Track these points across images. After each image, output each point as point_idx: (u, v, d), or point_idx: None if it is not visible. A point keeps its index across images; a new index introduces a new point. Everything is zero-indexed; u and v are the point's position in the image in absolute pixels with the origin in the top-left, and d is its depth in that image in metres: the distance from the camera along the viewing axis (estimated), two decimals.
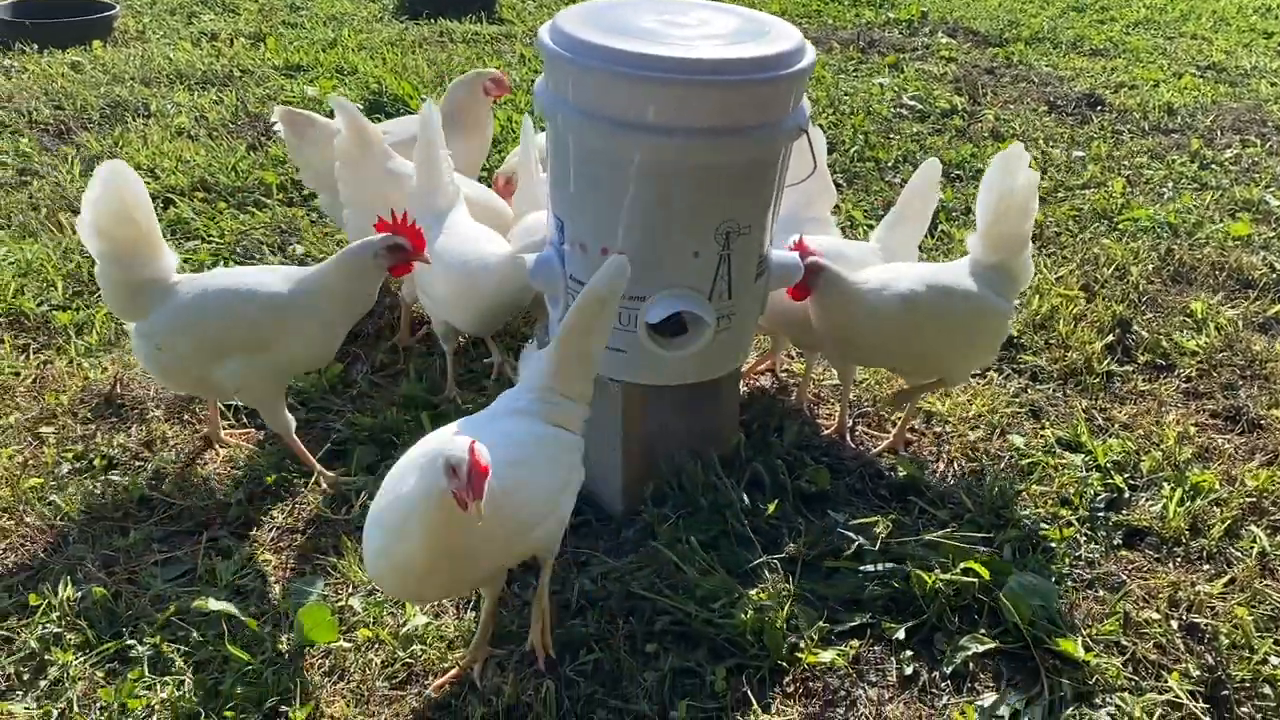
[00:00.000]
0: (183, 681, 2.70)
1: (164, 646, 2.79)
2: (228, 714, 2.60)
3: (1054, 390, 4.16)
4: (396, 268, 3.28)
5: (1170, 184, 6.18)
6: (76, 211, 5.12)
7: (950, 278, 3.47)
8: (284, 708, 2.64)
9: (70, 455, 3.54)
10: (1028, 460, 3.68)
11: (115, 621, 2.90)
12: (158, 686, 2.69)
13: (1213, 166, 6.48)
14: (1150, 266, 5.08)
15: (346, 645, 2.83)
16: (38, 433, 3.64)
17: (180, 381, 3.41)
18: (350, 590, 3.03)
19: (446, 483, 2.13)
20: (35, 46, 7.65)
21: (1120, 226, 5.56)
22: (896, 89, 7.62)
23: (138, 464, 3.55)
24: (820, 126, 5.99)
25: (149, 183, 5.37)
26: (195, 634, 2.83)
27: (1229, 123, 7.24)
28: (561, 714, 2.66)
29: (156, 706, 2.64)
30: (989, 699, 2.78)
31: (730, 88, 2.75)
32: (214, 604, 2.83)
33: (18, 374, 3.93)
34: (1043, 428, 3.91)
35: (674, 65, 2.68)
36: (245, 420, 3.80)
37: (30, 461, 3.50)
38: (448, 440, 2.25)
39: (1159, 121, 7.25)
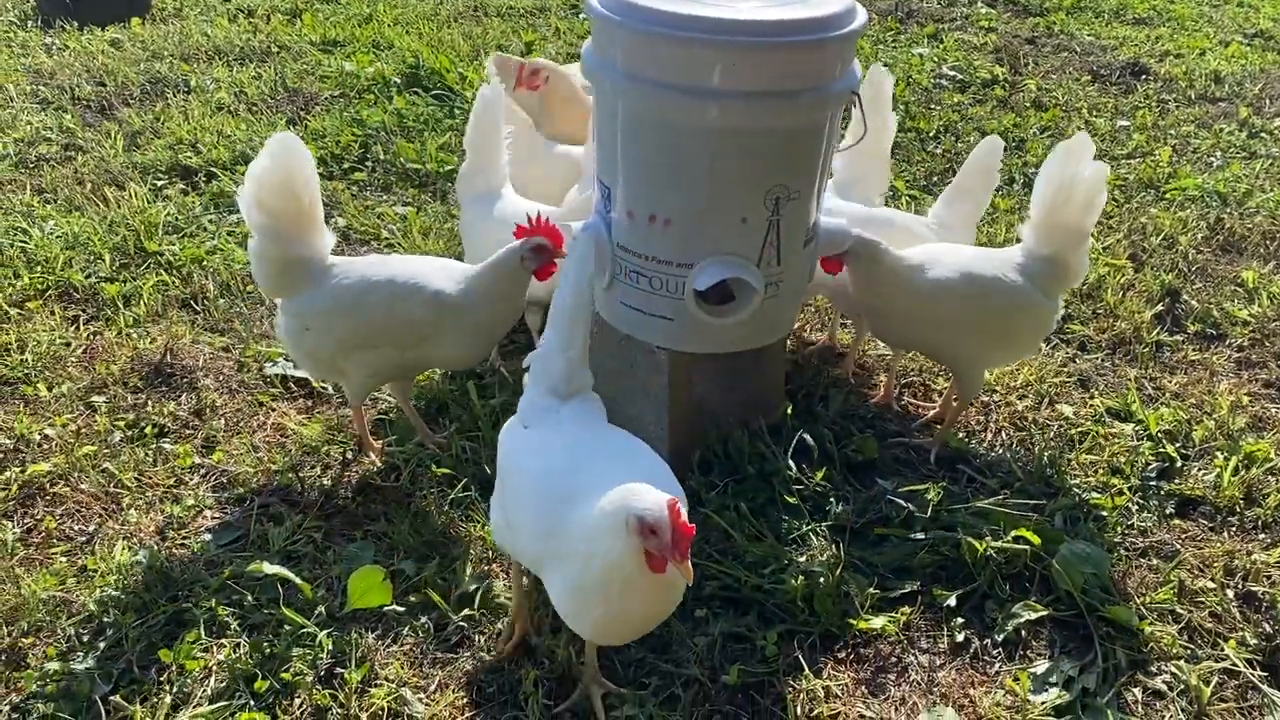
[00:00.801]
0: (239, 644, 2.74)
1: (220, 609, 2.82)
2: (284, 675, 2.62)
3: (1102, 360, 4.11)
4: (541, 269, 3.19)
5: (1219, 153, 6.07)
6: (121, 186, 5.22)
7: (993, 267, 3.31)
8: (339, 669, 2.67)
9: (122, 424, 3.58)
10: (1077, 430, 3.64)
11: (170, 586, 2.94)
12: (214, 649, 2.73)
13: (1262, 135, 6.36)
14: (1199, 236, 5.00)
15: (400, 608, 2.85)
16: (89, 402, 3.69)
17: (317, 363, 3.29)
18: (401, 555, 3.05)
19: (640, 542, 2.01)
20: (75, 25, 7.71)
21: (1168, 196, 5.47)
22: (936, 59, 7.52)
23: (189, 432, 3.59)
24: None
25: (190, 157, 5.44)
26: (249, 598, 2.86)
27: (1279, 91, 7.09)
28: (612, 677, 2.67)
29: (214, 667, 2.67)
30: (1042, 666, 2.76)
31: (781, 50, 2.71)
32: (269, 568, 2.86)
33: (68, 345, 3.98)
34: (1091, 397, 3.86)
35: (724, 27, 2.65)
36: (293, 388, 3.83)
37: (83, 430, 3.54)
38: (639, 495, 2.04)
39: (1206, 90, 7.11)
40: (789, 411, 3.49)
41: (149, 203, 5.02)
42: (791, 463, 3.26)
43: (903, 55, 7.64)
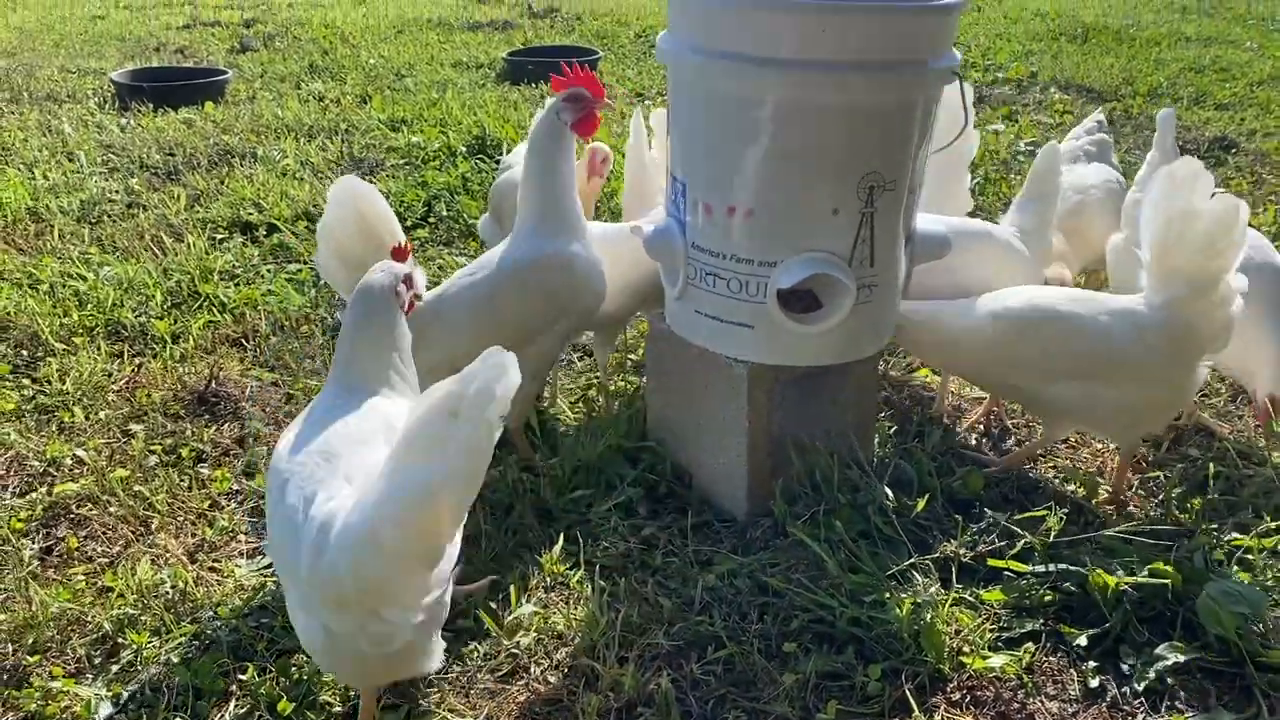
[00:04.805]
0: (265, 668, 2.41)
1: (246, 631, 2.51)
2: (326, 698, 2.29)
3: (1223, 405, 3.71)
4: (582, 123, 2.96)
5: None
6: (180, 238, 5.11)
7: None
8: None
9: (159, 450, 3.34)
10: (1204, 474, 3.24)
11: (196, 608, 2.64)
12: (235, 671, 2.41)
13: None
14: None
15: (448, 633, 2.51)
16: (127, 429, 3.46)
17: None
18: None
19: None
20: (150, 106, 7.84)
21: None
22: (1013, 135, 7.32)
23: (228, 460, 3.34)
24: None
25: (252, 214, 5.34)
26: (279, 621, 2.54)
27: None
28: (687, 712, 2.30)
29: (235, 690, 2.35)
30: (1195, 718, 2.33)
31: (875, 15, 2.50)
32: None
33: (110, 375, 3.79)
34: (1218, 441, 3.46)
35: None
36: None
37: (117, 455, 3.31)
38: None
39: None
40: (883, 439, 3.15)
41: (206, 252, 4.89)
42: (889, 491, 2.91)
43: (978, 130, 7.43)
